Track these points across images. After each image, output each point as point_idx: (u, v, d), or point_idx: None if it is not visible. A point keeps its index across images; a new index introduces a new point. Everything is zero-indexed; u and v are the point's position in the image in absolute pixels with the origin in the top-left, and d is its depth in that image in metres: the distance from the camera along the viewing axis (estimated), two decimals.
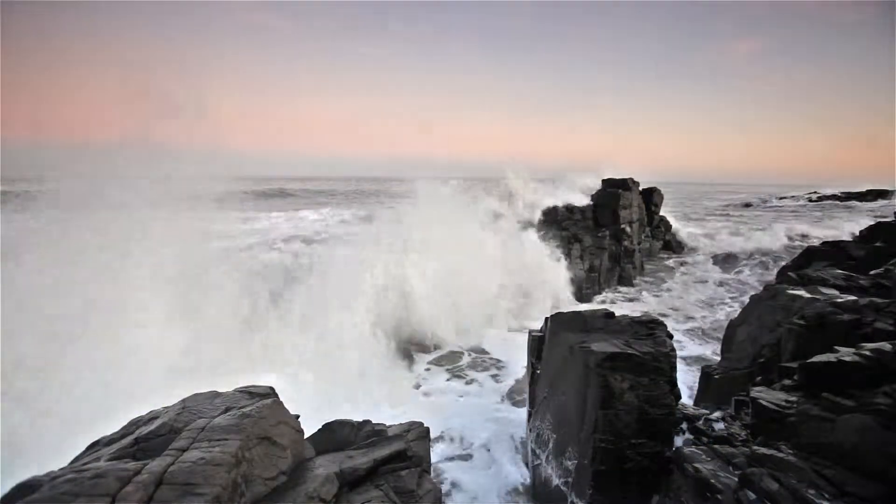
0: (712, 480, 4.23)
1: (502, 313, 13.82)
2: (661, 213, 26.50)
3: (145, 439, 3.19)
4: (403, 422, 4.74)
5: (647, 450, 5.11)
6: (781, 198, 51.27)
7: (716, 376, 7.91)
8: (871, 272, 10.86)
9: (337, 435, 4.32)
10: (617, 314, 6.56)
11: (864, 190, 46.21)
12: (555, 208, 20.15)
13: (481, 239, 15.67)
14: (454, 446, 7.52)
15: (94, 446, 3.45)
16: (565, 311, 6.85)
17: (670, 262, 23.32)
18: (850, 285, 9.26)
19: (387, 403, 8.62)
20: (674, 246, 25.87)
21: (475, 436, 7.70)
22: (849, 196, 45.84)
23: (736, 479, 4.06)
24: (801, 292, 8.55)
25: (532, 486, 6.56)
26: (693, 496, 4.33)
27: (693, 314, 15.36)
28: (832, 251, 16.01)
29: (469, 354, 11.70)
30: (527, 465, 6.93)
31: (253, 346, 9.11)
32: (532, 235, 17.34)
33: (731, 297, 17.16)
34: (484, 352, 11.83)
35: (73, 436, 3.98)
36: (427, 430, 4.61)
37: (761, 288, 9.10)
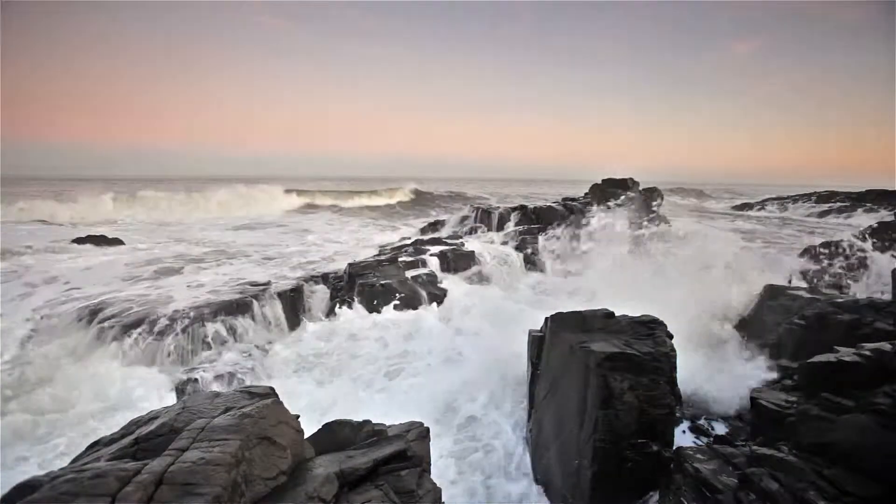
0: (712, 480, 4.24)
1: None
2: (661, 214, 26.50)
3: (145, 439, 3.19)
4: (403, 422, 4.74)
5: (647, 450, 5.11)
6: (779, 198, 51.26)
7: None
8: None
9: (337, 435, 4.31)
10: (617, 314, 6.56)
11: (863, 190, 46.13)
12: (551, 207, 20.17)
13: None
14: None
15: (94, 446, 3.45)
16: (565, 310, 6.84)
17: None
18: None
19: None
20: None
21: None
22: (848, 197, 45.71)
23: (736, 480, 4.06)
24: (801, 292, 8.56)
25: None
26: (693, 496, 4.33)
27: None
28: (832, 251, 16.00)
29: None
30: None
31: None
32: None
33: None
34: None
35: None
36: (427, 429, 4.61)
37: None
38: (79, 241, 18.05)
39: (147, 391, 7.97)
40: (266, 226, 27.50)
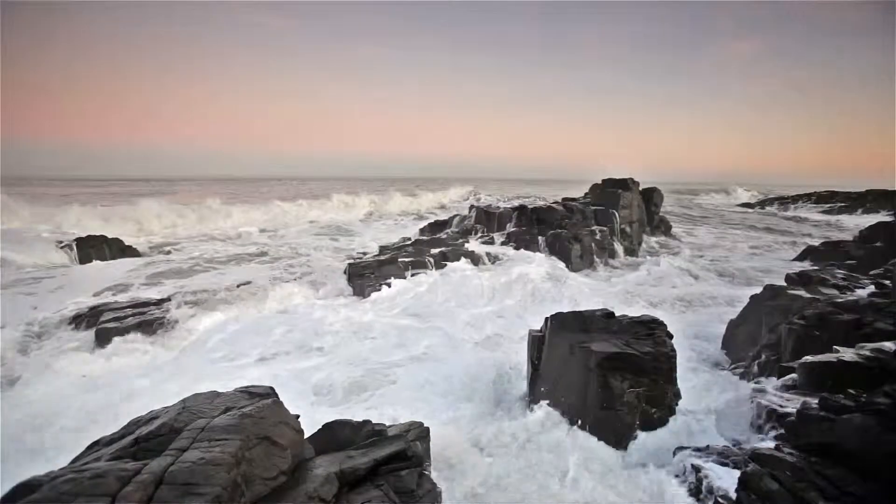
0: (713, 480, 4.24)
1: None
2: (661, 214, 26.51)
3: (145, 439, 3.19)
4: (403, 422, 4.74)
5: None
6: (780, 198, 51.35)
7: None
8: (871, 272, 10.87)
9: (337, 435, 4.31)
10: (616, 313, 6.56)
11: (863, 190, 46.12)
12: (551, 208, 20.12)
13: None
14: None
15: (94, 446, 3.45)
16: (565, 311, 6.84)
17: None
18: (850, 285, 9.27)
19: None
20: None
21: None
22: (848, 197, 45.75)
23: (736, 479, 4.06)
24: (801, 292, 8.55)
25: None
26: (693, 496, 4.33)
27: None
28: (832, 251, 16.01)
29: None
30: None
31: None
32: None
33: None
34: None
35: None
36: (427, 429, 4.61)
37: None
38: (79, 241, 18.02)
39: (145, 392, 7.97)
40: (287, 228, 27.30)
